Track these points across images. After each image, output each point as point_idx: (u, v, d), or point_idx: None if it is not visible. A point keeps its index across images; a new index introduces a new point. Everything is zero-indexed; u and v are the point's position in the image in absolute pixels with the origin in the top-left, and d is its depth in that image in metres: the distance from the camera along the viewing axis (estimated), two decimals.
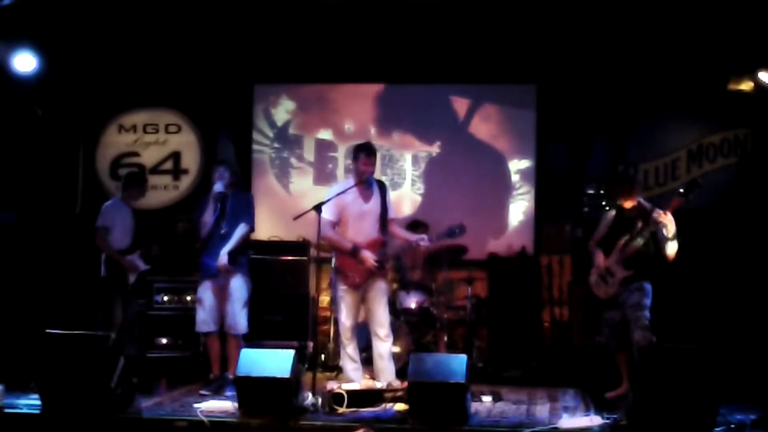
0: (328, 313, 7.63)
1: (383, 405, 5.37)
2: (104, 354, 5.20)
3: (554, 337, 7.89)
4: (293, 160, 8.68)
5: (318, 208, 5.71)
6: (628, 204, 6.11)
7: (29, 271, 7.70)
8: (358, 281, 5.87)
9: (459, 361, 5.10)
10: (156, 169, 8.74)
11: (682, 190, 5.75)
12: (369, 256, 5.80)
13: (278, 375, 5.11)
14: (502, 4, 7.28)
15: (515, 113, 8.39)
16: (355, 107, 8.63)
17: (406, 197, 8.47)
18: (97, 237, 6.74)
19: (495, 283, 7.90)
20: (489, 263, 7.99)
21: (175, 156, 8.78)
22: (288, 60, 8.38)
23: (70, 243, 8.05)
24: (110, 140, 8.83)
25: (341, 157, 8.56)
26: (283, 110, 8.73)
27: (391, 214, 6.06)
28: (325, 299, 7.51)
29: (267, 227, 8.09)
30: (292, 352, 5.24)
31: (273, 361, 5.19)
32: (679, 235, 5.80)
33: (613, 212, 6.25)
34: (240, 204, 6.34)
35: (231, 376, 6.01)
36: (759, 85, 7.04)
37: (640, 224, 5.93)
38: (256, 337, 6.65)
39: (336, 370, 6.78)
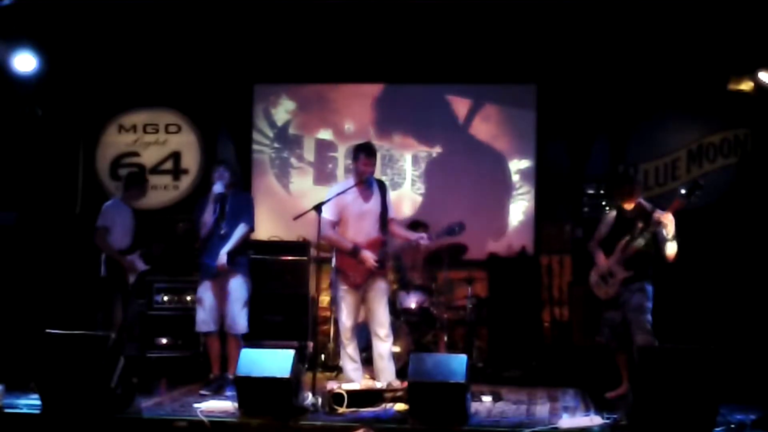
0: (328, 313, 7.63)
1: (383, 405, 5.36)
2: (104, 354, 5.20)
3: (554, 337, 7.89)
4: (293, 160, 8.68)
5: (318, 208, 5.71)
6: (629, 205, 6.10)
7: (29, 271, 7.70)
8: (359, 281, 5.87)
9: (459, 361, 5.10)
10: (156, 169, 8.73)
11: (683, 192, 5.75)
12: (369, 256, 5.80)
13: (278, 375, 5.11)
14: (502, 4, 7.28)
15: (515, 113, 8.38)
16: (355, 107, 8.62)
17: (406, 197, 8.47)
18: (97, 237, 6.74)
19: (495, 283, 7.90)
20: (489, 263, 8.00)
21: (175, 156, 8.78)
22: (288, 60, 8.37)
23: (70, 243, 8.04)
24: (110, 140, 8.83)
25: (341, 157, 8.56)
26: (283, 110, 8.73)
27: (391, 214, 6.05)
28: (325, 299, 7.51)
29: (267, 227, 8.09)
30: (292, 352, 5.24)
31: (273, 361, 5.19)
32: (678, 236, 5.80)
33: (613, 213, 6.25)
34: (240, 204, 6.35)
35: (231, 376, 6.02)
36: (759, 85, 7.04)
37: (640, 225, 5.93)
38: (256, 337, 6.65)
39: (336, 370, 6.77)
